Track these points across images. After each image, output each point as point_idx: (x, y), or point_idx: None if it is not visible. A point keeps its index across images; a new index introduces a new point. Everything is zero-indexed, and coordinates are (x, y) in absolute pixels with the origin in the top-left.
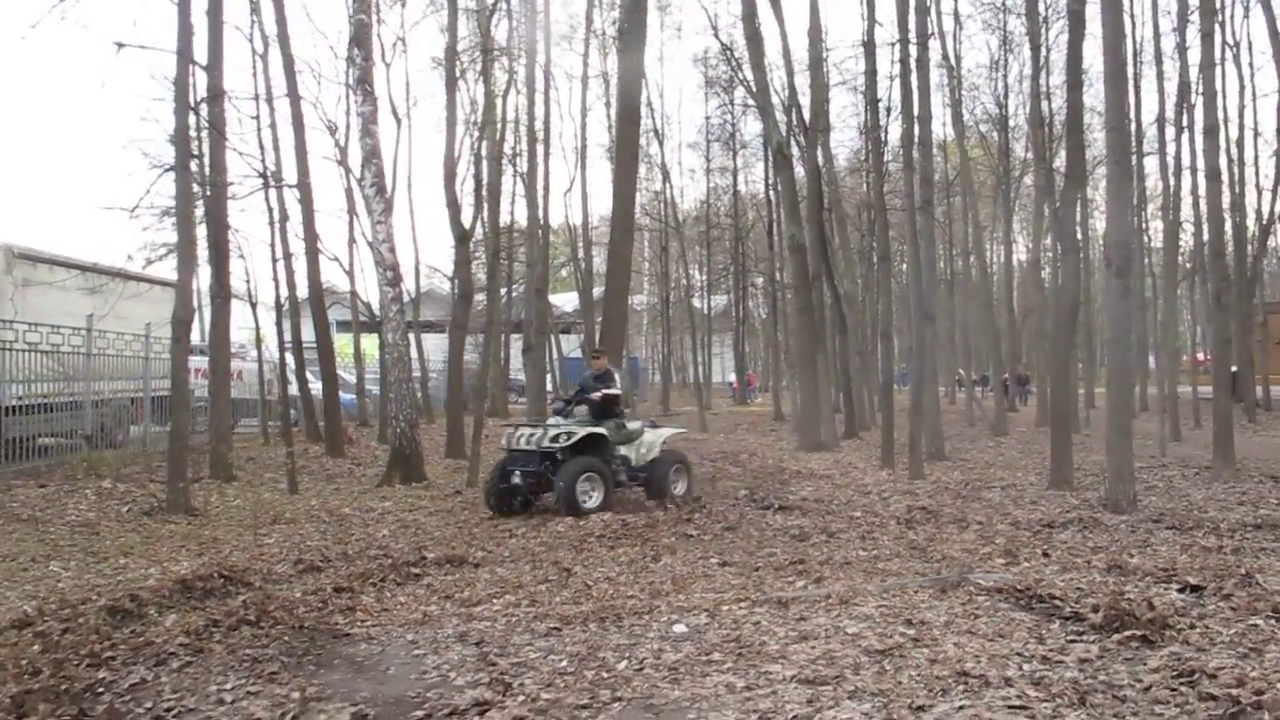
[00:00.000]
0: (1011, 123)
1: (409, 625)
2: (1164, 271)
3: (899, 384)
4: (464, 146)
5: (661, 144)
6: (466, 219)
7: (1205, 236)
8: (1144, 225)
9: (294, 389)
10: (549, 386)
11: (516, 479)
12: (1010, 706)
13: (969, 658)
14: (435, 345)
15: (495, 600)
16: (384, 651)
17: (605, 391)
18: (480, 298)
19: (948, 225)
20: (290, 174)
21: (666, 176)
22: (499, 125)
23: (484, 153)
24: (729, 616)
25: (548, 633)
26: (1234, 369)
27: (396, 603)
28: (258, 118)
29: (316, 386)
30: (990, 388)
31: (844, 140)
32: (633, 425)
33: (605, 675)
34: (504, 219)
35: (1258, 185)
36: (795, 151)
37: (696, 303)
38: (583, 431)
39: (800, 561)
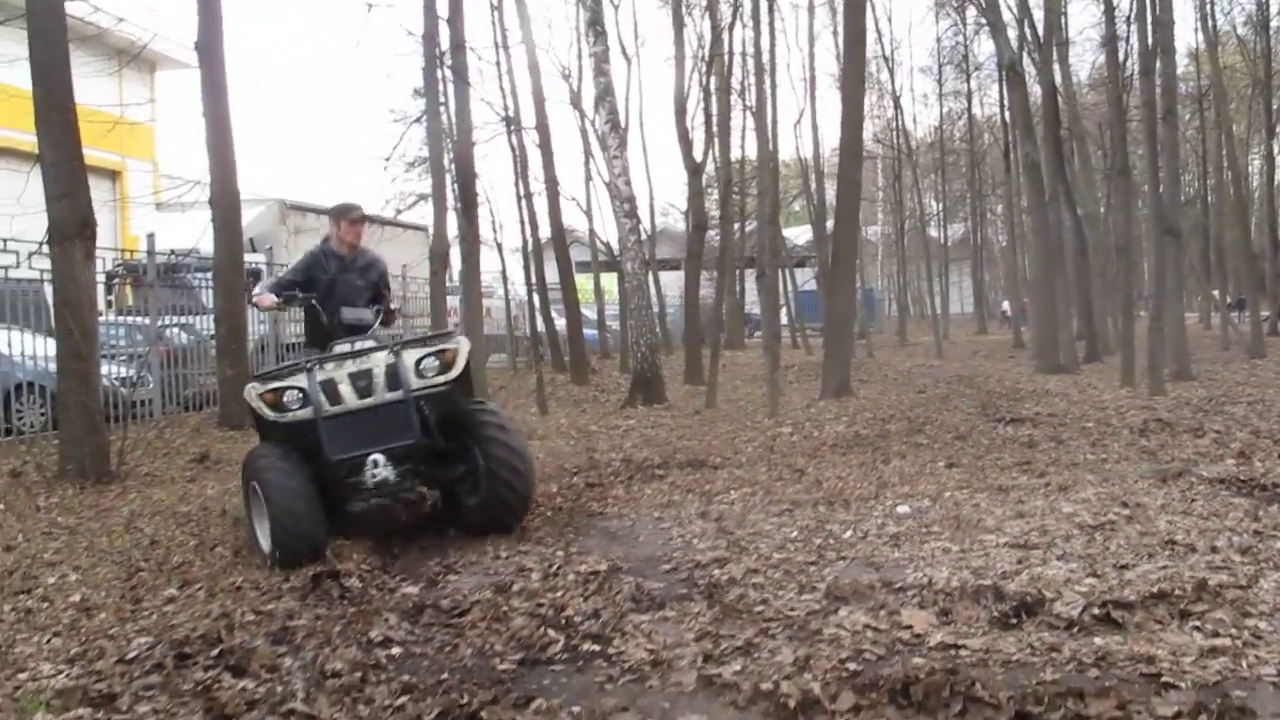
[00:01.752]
0: (1275, 24)
1: (655, 508)
2: None
3: (1143, 308)
4: (692, 82)
5: (891, 71)
6: (698, 153)
7: None
8: None
9: (540, 326)
10: (784, 320)
11: (384, 471)
12: (1212, 567)
13: (1179, 531)
14: (671, 281)
15: (733, 491)
16: (634, 525)
17: (390, 307)
18: (713, 233)
19: (1200, 140)
20: (528, 119)
21: (898, 103)
22: (726, 59)
23: (712, 87)
24: (950, 500)
25: (780, 513)
26: None
27: (643, 494)
28: (497, 64)
29: (560, 324)
30: (1247, 312)
31: (1083, 56)
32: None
33: (831, 542)
34: (734, 154)
35: None
36: (1030, 69)
37: (932, 231)
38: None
39: (1026, 463)
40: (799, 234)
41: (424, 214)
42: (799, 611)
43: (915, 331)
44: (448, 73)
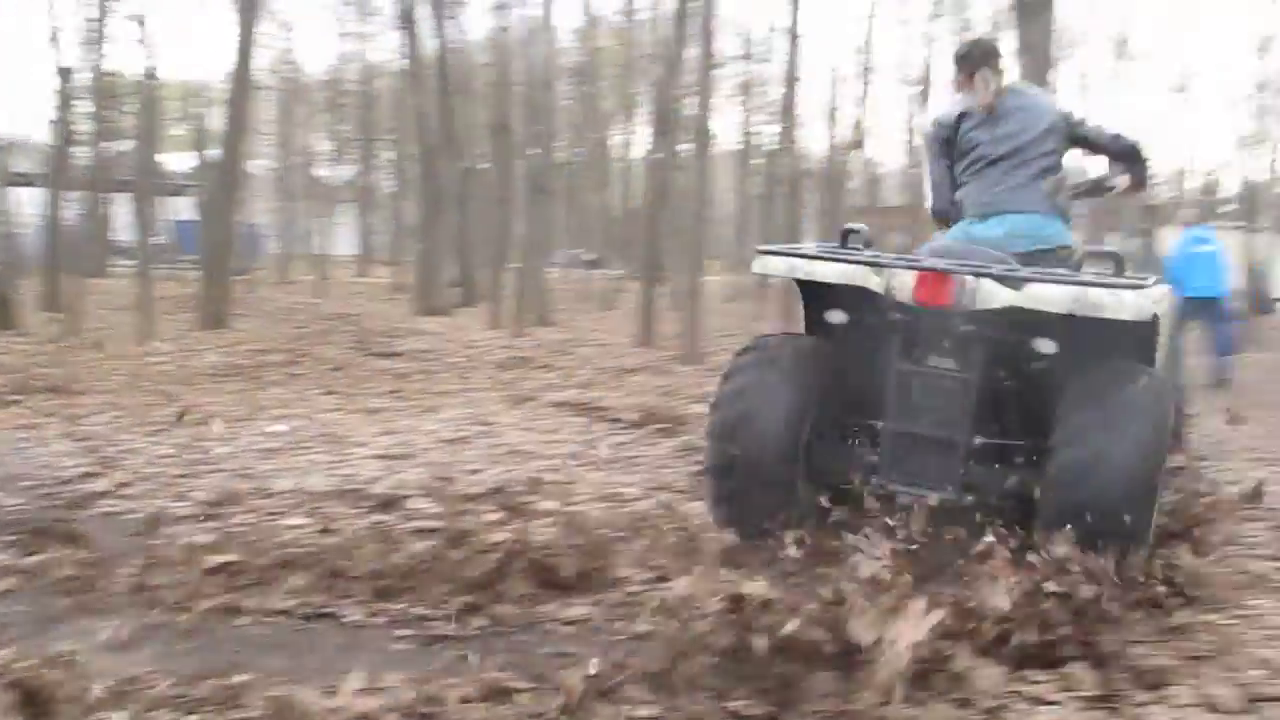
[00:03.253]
0: (640, 16)
1: (14, 430)
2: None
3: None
4: None
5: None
6: (70, 59)
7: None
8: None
9: None
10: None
11: None
12: (544, 469)
13: (523, 443)
14: (28, 199)
15: (99, 415)
16: None
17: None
18: (82, 150)
19: (577, 111)
20: None
21: (291, 35)
22: None
23: None
24: (323, 419)
25: (153, 433)
26: None
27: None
28: None
29: None
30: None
31: (478, 18)
32: None
33: (204, 457)
34: (114, 65)
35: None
36: (429, 22)
37: (321, 171)
38: None
39: (398, 391)
40: (179, 160)
41: None
42: (173, 515)
43: (299, 270)
44: None
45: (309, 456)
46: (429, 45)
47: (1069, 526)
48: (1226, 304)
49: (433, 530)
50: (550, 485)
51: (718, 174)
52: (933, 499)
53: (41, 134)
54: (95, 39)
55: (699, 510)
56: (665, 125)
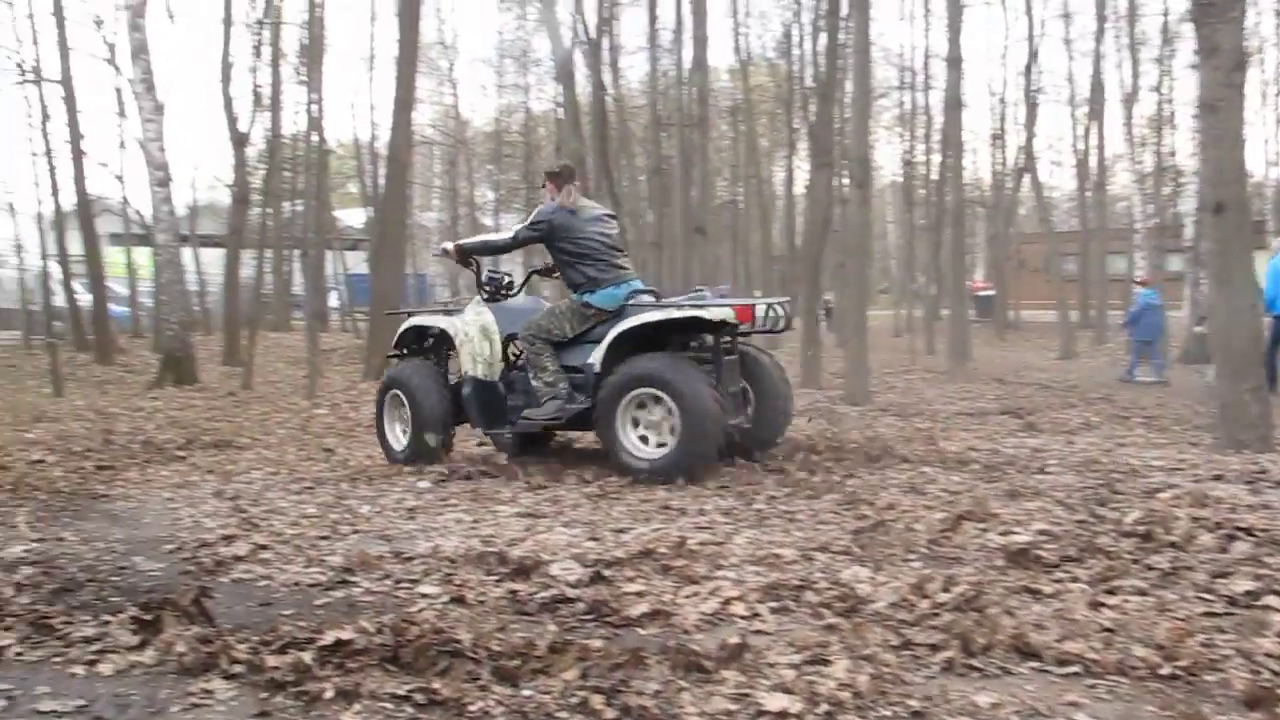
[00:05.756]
0: (796, 52)
1: (169, 489)
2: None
3: None
4: (243, 48)
5: (451, 59)
6: (244, 123)
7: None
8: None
9: (61, 300)
10: (335, 303)
11: None
12: (698, 526)
13: (674, 499)
14: (217, 258)
15: (255, 471)
16: (141, 507)
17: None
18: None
19: (736, 150)
20: (53, 71)
21: (455, 90)
22: (279, 26)
23: (264, 55)
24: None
25: (300, 490)
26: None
27: (159, 475)
28: (13, 4)
29: (86, 299)
30: None
31: (637, 63)
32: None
33: (348, 517)
34: (287, 129)
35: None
36: (582, 69)
37: (488, 220)
38: None
39: None
40: (353, 216)
41: None
42: (303, 583)
43: None
44: None
45: (450, 514)
46: (585, 92)
47: None
48: None
49: (569, 601)
50: (697, 547)
51: (881, 206)
52: None
53: (224, 197)
54: (268, 105)
55: (863, 575)
56: (823, 159)
